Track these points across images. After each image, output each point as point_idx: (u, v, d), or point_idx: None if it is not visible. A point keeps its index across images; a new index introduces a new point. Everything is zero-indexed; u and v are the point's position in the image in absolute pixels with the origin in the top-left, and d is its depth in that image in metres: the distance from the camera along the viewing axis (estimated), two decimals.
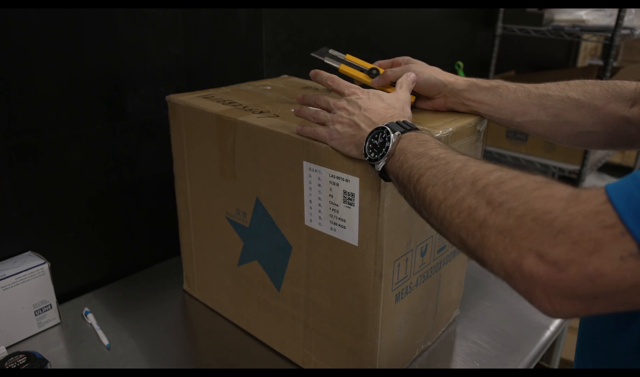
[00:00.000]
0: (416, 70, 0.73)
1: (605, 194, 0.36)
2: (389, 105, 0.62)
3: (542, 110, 0.70)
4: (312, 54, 0.80)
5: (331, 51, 0.80)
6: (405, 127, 0.56)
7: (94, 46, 0.88)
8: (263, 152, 0.71)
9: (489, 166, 0.45)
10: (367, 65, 0.77)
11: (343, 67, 0.77)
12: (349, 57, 0.78)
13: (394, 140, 0.55)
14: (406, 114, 0.62)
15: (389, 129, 0.56)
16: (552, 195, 0.38)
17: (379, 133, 0.57)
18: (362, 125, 0.60)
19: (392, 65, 0.77)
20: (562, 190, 0.38)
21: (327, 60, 0.79)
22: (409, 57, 0.77)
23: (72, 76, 0.86)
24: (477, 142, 0.75)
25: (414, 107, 0.77)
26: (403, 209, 0.65)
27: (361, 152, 0.59)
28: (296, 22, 1.21)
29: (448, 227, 0.45)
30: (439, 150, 0.51)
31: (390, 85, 0.75)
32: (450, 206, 0.45)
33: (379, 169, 0.57)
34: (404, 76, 0.70)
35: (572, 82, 0.70)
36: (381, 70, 0.76)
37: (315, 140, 0.65)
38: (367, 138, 0.58)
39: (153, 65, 0.97)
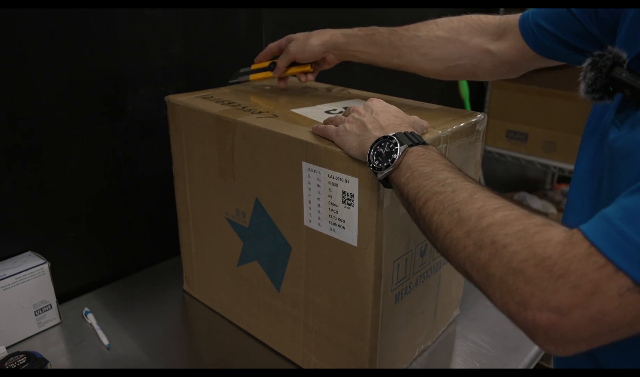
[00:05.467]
0: (297, 49, 0.83)
1: (585, 238, 0.37)
2: (400, 114, 0.62)
3: (413, 51, 0.78)
4: (230, 82, 0.93)
5: (242, 70, 0.92)
6: (413, 140, 0.55)
7: (94, 46, 0.88)
8: (262, 153, 0.71)
9: (495, 202, 0.45)
10: (267, 63, 0.88)
11: (253, 76, 0.89)
12: (254, 66, 0.90)
13: (400, 152, 0.54)
14: (416, 127, 0.62)
15: (397, 140, 0.55)
16: (550, 239, 0.39)
17: (386, 142, 0.56)
18: (369, 126, 0.59)
19: (279, 49, 0.88)
20: (558, 233, 0.39)
21: (241, 79, 0.92)
22: (289, 35, 0.87)
23: (72, 76, 0.87)
24: (477, 141, 0.75)
25: (312, 73, 0.88)
26: (402, 209, 0.64)
27: (363, 154, 0.58)
28: (296, 22, 1.21)
29: (453, 256, 0.46)
30: (446, 173, 0.50)
31: (287, 66, 0.86)
32: (456, 238, 0.45)
33: (381, 178, 0.57)
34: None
35: (440, 21, 0.78)
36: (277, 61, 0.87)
37: (324, 137, 0.65)
38: (373, 144, 0.57)
39: (153, 65, 0.97)
